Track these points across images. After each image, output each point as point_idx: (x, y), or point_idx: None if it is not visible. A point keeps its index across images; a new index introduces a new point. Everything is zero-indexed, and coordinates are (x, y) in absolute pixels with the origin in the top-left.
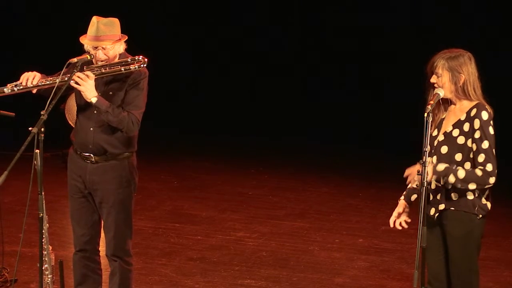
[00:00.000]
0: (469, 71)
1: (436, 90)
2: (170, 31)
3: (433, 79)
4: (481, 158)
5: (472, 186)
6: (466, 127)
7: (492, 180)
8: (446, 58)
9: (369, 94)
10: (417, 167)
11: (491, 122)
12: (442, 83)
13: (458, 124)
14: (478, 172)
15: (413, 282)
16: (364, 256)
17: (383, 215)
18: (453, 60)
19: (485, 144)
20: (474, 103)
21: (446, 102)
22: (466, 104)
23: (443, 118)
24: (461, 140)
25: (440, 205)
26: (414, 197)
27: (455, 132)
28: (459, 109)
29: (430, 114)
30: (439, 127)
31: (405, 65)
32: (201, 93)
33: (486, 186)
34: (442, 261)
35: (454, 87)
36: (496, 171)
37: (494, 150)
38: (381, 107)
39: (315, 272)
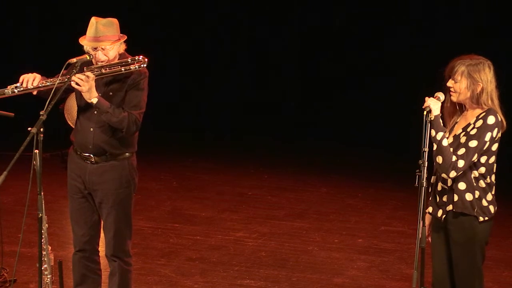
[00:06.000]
0: (488, 80)
1: (436, 94)
2: (169, 31)
3: (449, 83)
4: (461, 151)
5: (438, 159)
6: (470, 128)
7: (452, 173)
8: (467, 64)
9: (369, 94)
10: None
11: (495, 129)
12: (459, 88)
13: (466, 127)
14: (453, 157)
15: (412, 282)
16: (364, 256)
17: (382, 215)
18: (473, 68)
19: (473, 143)
20: (486, 108)
21: (462, 107)
22: (479, 110)
23: (457, 122)
24: (463, 139)
25: (447, 207)
26: (430, 209)
27: (462, 134)
28: (471, 114)
29: (430, 114)
30: (451, 130)
31: (405, 66)
32: (202, 93)
33: (442, 173)
34: (447, 264)
35: (470, 94)
36: (461, 172)
37: (477, 154)
38: (381, 107)
39: (315, 272)
